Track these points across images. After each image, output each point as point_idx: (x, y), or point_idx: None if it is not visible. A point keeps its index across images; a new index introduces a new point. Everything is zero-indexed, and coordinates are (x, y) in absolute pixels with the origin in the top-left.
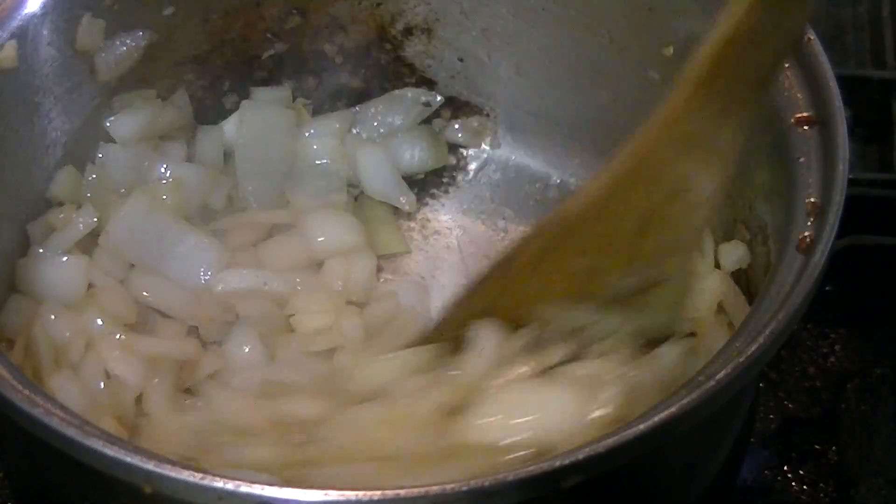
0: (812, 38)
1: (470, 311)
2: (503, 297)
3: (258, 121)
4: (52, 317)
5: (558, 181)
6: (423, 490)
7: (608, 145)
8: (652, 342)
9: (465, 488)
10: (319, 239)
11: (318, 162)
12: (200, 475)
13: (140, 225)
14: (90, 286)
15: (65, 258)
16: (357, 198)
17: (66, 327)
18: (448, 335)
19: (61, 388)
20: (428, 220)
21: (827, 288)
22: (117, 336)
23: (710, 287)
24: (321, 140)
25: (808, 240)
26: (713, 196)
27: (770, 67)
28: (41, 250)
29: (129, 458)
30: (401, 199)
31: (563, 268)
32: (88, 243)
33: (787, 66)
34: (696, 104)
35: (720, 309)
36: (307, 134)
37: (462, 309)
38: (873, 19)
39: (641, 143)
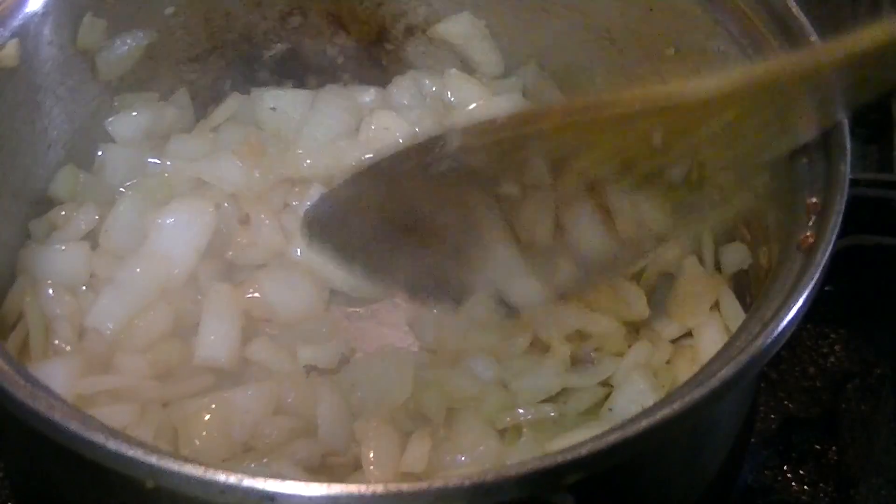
0: (813, 38)
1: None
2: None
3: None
4: (50, 292)
5: None
6: (425, 485)
7: None
8: None
9: (467, 484)
10: None
11: None
12: (203, 469)
13: (136, 222)
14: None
15: (64, 246)
16: None
17: (60, 306)
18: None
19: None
20: None
21: (827, 288)
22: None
23: (705, 291)
24: None
25: (809, 240)
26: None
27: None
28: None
29: (132, 453)
30: None
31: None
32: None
33: None
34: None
35: (716, 306)
36: None
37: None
38: (873, 19)
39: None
